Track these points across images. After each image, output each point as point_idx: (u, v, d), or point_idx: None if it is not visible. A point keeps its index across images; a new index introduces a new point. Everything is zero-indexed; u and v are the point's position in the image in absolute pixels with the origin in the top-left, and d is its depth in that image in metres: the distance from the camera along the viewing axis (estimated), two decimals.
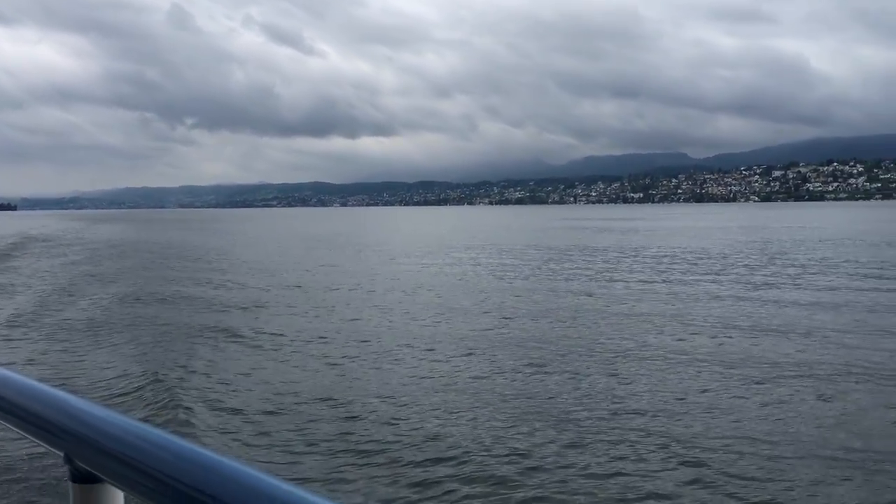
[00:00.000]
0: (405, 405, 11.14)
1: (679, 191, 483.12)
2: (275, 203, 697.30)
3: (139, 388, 12.00)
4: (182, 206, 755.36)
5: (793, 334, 16.66)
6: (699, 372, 13.11)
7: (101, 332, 17.58)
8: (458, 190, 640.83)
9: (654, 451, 8.99)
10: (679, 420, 10.35)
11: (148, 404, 11.13)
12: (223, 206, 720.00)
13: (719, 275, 30.10)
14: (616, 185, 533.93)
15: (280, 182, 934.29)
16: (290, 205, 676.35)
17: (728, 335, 16.67)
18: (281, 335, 16.87)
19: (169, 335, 17.01)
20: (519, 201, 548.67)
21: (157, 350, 15.31)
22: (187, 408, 10.78)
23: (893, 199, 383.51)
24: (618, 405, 11.06)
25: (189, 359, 14.29)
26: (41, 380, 1.41)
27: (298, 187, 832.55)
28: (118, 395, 11.72)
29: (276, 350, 15.26)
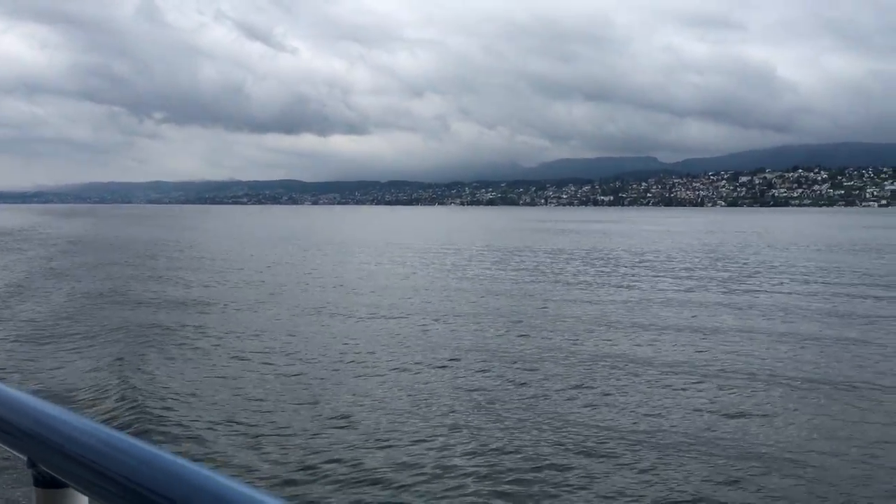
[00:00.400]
0: (356, 404, 11.36)
1: (648, 194, 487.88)
2: (245, 200, 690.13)
3: (93, 390, 11.96)
4: (150, 201, 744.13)
5: (701, 333, 17.12)
6: (610, 370, 13.50)
7: (53, 331, 17.39)
8: (430, 190, 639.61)
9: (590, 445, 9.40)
10: (581, 410, 10.64)
11: (103, 406, 11.07)
12: (192, 202, 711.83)
13: (656, 277, 30.67)
14: (587, 187, 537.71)
15: (251, 179, 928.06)
16: (260, 202, 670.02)
17: (643, 335, 17.08)
18: (226, 334, 17.03)
19: (120, 334, 16.91)
20: (490, 202, 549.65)
21: (108, 350, 15.20)
22: (145, 411, 10.77)
23: (856, 205, 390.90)
24: (525, 398, 11.34)
25: (140, 358, 14.26)
26: (1, 381, 1.38)
27: (269, 185, 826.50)
28: (72, 397, 11.64)
29: (225, 350, 15.30)
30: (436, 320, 19.26)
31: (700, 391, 12.12)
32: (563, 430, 9.97)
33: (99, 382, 12.40)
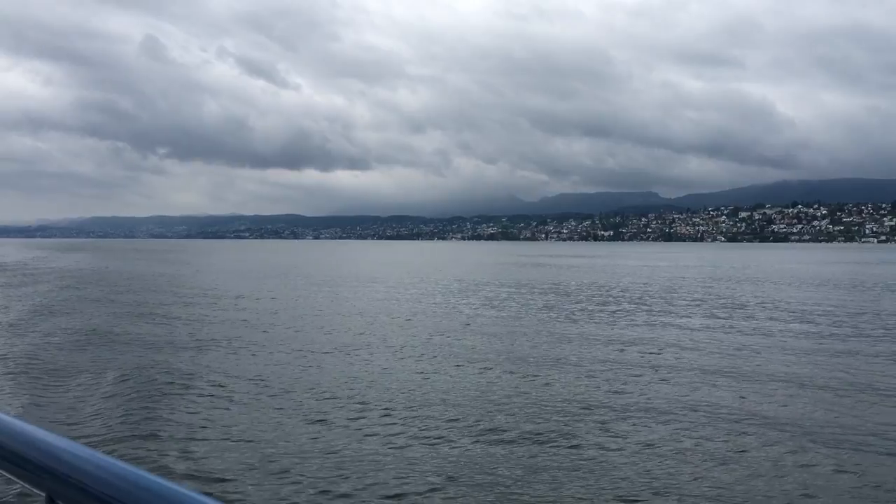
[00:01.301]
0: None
1: (648, 230, 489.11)
2: (247, 235, 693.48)
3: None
4: (153, 236, 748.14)
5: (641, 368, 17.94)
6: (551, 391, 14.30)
7: (46, 369, 17.29)
8: (432, 225, 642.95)
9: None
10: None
11: (115, 444, 11.05)
12: (194, 236, 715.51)
13: (618, 311, 31.55)
14: (587, 222, 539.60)
15: (253, 214, 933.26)
16: (262, 237, 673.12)
17: (599, 370, 17.90)
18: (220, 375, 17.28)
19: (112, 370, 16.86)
20: (491, 237, 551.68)
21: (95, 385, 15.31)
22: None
23: (855, 241, 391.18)
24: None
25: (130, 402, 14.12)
26: (18, 418, 1.37)
27: (272, 219, 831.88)
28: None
29: (215, 388, 15.21)
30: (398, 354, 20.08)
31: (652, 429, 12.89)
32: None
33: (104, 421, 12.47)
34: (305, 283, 49.97)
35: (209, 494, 1.05)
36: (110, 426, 11.98)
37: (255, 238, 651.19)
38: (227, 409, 13.25)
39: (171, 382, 15.31)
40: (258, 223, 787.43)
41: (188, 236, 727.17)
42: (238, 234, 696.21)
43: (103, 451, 1.24)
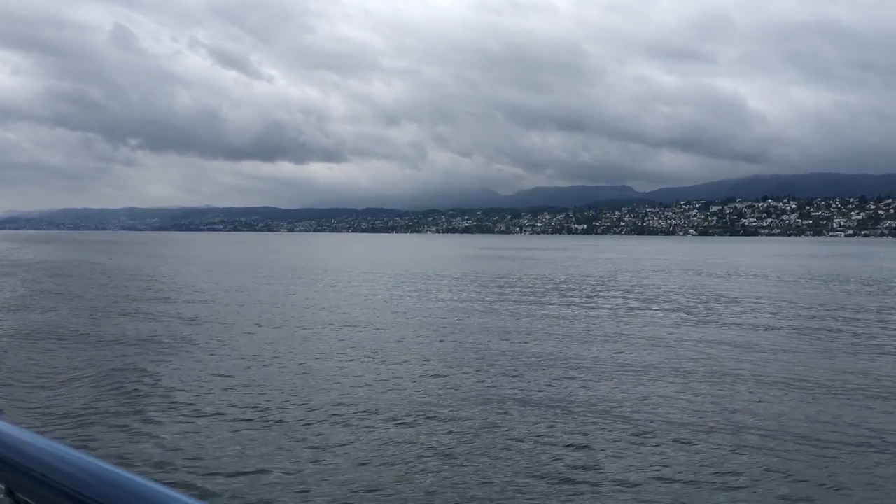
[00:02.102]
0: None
1: (622, 223, 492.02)
2: (220, 227, 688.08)
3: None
4: (125, 228, 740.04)
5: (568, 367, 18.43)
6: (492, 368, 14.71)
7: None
8: (407, 217, 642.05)
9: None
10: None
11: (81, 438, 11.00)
12: (167, 228, 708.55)
13: (559, 297, 32.18)
14: (561, 216, 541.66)
15: (227, 206, 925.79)
16: (236, 229, 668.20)
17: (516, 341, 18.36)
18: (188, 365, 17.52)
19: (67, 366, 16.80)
20: (466, 230, 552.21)
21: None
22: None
23: (823, 235, 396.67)
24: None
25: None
26: None
27: (245, 211, 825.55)
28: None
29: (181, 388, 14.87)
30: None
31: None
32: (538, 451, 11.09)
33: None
34: (267, 276, 50.12)
35: (171, 485, 1.03)
36: (70, 424, 11.87)
37: (229, 230, 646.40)
38: (192, 405, 13.15)
39: (135, 381, 15.08)
40: (232, 215, 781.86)
41: (161, 228, 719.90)
42: (211, 227, 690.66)
43: (64, 443, 1.22)
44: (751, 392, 14.55)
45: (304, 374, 15.93)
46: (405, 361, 17.46)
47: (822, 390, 14.70)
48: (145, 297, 32.97)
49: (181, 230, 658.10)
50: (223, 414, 12.42)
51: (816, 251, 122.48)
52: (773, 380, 15.63)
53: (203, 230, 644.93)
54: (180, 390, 14.15)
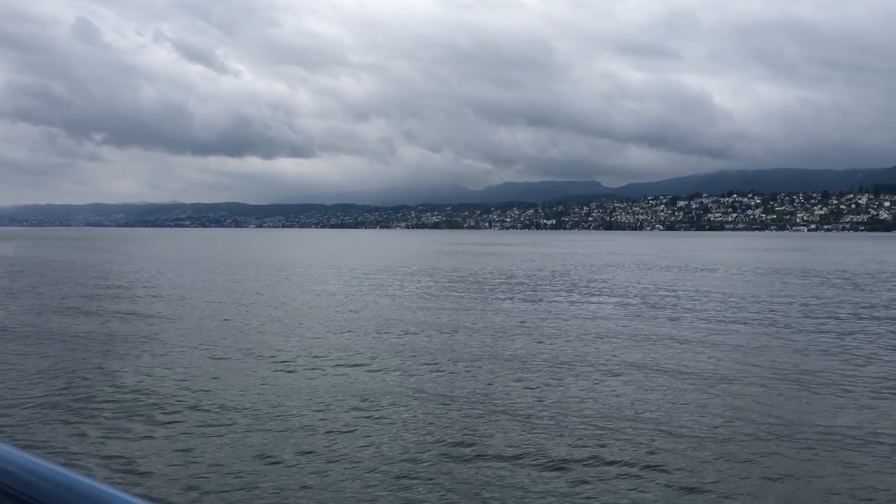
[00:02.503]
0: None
1: (590, 218, 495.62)
2: (188, 223, 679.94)
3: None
4: (89, 224, 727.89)
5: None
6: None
7: None
8: (376, 213, 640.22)
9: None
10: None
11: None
12: (133, 225, 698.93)
13: (507, 291, 32.40)
14: (530, 211, 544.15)
15: (194, 202, 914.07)
16: (203, 225, 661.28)
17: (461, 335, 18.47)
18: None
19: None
20: (436, 225, 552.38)
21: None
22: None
23: (787, 229, 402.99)
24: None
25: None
26: None
27: (213, 207, 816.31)
28: None
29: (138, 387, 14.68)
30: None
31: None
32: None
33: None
34: (225, 272, 49.81)
35: (115, 485, 1.01)
36: (17, 422, 11.71)
37: (197, 226, 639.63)
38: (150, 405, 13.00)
39: (86, 381, 14.77)
40: (199, 211, 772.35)
41: (126, 224, 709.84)
42: (178, 223, 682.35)
43: (9, 443, 1.18)
44: (668, 385, 14.81)
45: (256, 373, 15.76)
46: (340, 359, 17.51)
47: (728, 382, 15.00)
48: (102, 294, 32.51)
49: (147, 226, 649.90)
50: (176, 415, 12.20)
51: (770, 245, 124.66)
52: (694, 371, 15.92)
53: (170, 226, 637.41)
54: (133, 391, 13.85)
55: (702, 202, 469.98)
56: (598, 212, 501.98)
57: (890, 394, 13.86)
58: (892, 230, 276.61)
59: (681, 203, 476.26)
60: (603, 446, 10.59)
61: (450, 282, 40.55)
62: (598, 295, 32.96)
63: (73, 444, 10.63)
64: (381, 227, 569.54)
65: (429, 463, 9.85)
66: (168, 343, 19.17)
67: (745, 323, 23.73)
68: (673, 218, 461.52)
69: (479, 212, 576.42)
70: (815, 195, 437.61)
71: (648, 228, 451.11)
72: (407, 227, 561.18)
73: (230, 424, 11.56)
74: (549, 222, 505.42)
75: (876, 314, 26.08)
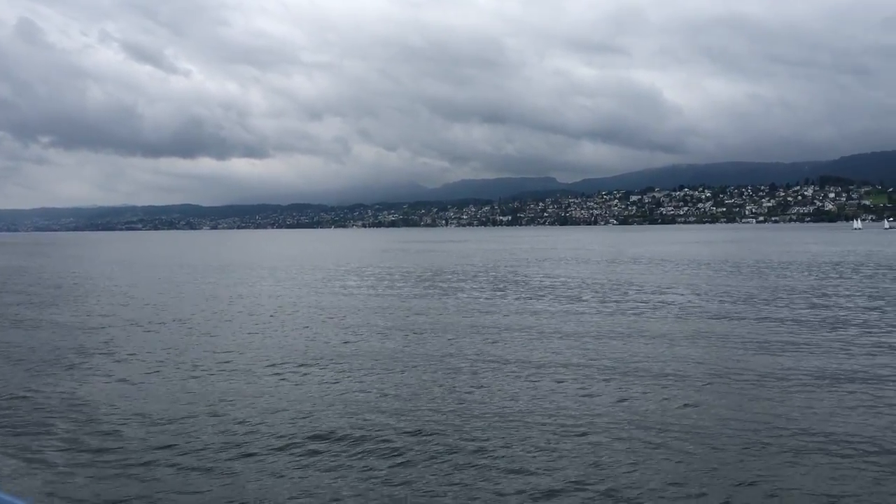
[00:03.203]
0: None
1: (545, 214, 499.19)
2: (140, 226, 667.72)
3: None
4: (38, 228, 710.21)
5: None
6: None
7: None
8: (333, 212, 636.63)
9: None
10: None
11: None
12: (83, 229, 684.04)
13: (424, 286, 33.02)
14: (486, 208, 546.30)
15: (146, 204, 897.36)
16: (156, 228, 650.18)
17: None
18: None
19: None
20: (392, 224, 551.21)
21: None
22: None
23: (737, 222, 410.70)
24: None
25: None
26: None
27: (166, 209, 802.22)
28: None
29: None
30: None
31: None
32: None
33: None
34: (166, 275, 49.52)
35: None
36: None
37: (149, 229, 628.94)
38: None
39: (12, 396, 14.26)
40: (152, 214, 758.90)
41: (77, 229, 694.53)
42: (130, 226, 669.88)
43: None
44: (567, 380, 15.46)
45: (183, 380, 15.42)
46: (252, 361, 17.86)
47: (632, 376, 15.68)
48: (38, 302, 32.18)
49: (98, 230, 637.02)
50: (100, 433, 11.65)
51: (706, 238, 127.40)
52: (602, 366, 16.38)
53: (121, 230, 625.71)
54: (58, 410, 13.18)
55: (654, 196, 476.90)
56: (553, 208, 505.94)
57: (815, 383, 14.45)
58: (837, 220, 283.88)
59: (634, 198, 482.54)
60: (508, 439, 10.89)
61: (376, 279, 41.07)
62: (517, 287, 33.72)
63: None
64: (338, 226, 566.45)
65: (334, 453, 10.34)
66: (88, 352, 19.23)
67: (644, 310, 24.63)
68: (626, 212, 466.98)
69: (435, 210, 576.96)
70: (763, 188, 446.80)
71: (602, 223, 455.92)
72: (363, 226, 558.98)
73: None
74: (504, 219, 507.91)
75: (781, 299, 27.21)
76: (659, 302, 27.52)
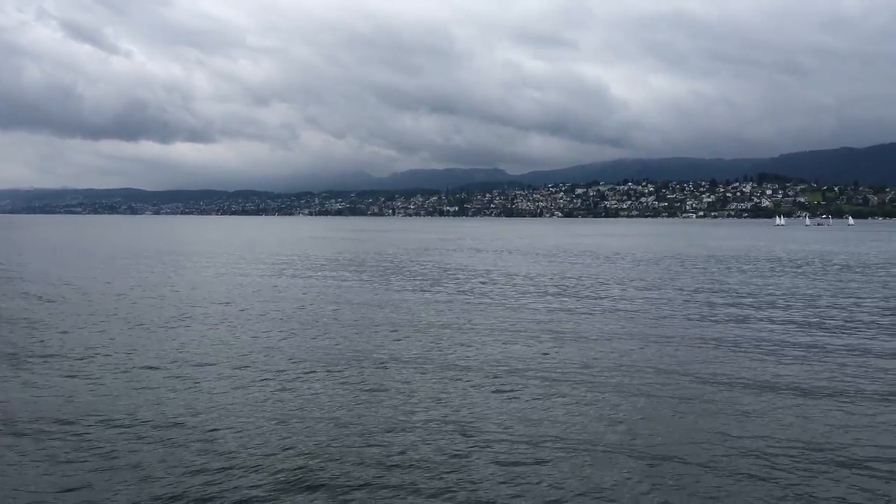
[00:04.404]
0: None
1: (492, 205, 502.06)
2: (79, 210, 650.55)
3: None
4: None
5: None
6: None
7: None
8: (279, 200, 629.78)
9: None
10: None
11: None
12: (20, 212, 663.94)
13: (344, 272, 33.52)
14: (434, 198, 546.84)
15: (86, 188, 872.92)
16: (96, 212, 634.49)
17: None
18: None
19: None
20: (339, 212, 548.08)
21: None
22: None
23: (678, 216, 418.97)
24: None
25: None
26: None
27: (107, 193, 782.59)
28: None
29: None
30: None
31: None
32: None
33: None
34: (86, 263, 48.95)
35: None
36: None
37: (89, 213, 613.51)
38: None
39: None
40: (92, 197, 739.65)
41: (12, 211, 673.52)
42: (69, 209, 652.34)
43: None
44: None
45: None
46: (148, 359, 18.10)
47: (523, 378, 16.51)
48: None
49: (35, 213, 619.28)
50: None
51: (640, 231, 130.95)
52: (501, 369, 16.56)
53: (60, 213, 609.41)
54: None
55: (598, 190, 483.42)
56: (500, 199, 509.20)
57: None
58: (773, 216, 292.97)
59: (579, 191, 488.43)
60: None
61: (279, 267, 41.48)
62: (417, 277, 34.51)
63: None
64: (284, 213, 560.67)
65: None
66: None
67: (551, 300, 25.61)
68: (571, 205, 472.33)
69: (383, 199, 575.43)
70: (703, 183, 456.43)
71: (548, 215, 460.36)
72: (310, 213, 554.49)
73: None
74: (452, 209, 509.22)
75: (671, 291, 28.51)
76: (536, 291, 28.60)
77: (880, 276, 36.70)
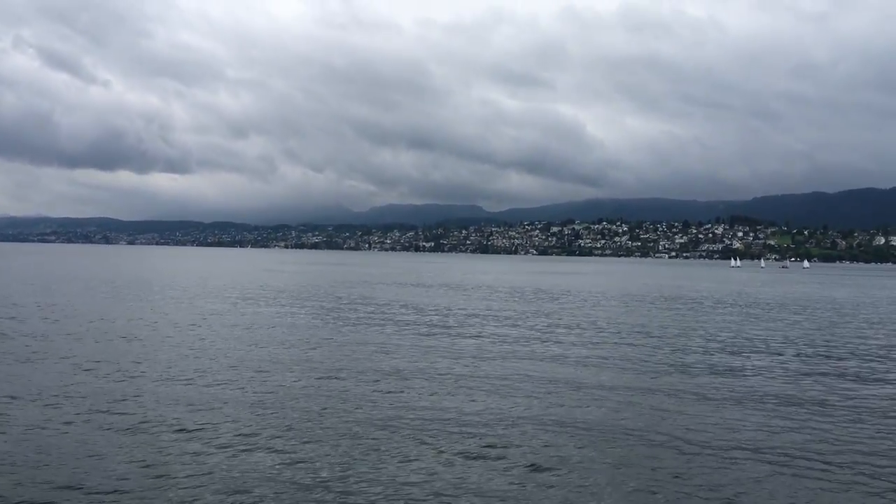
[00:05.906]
0: None
1: (468, 241, 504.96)
2: (53, 238, 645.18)
3: None
4: None
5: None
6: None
7: None
8: (256, 232, 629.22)
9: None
10: None
11: None
12: None
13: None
14: (411, 233, 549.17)
15: (61, 216, 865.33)
16: (70, 241, 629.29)
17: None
18: None
19: None
20: (315, 246, 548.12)
21: None
22: None
23: (650, 256, 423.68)
24: None
25: None
26: None
27: (82, 222, 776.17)
28: None
29: None
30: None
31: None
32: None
33: None
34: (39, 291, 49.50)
35: None
36: None
37: (63, 242, 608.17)
38: None
39: None
40: (67, 226, 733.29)
41: None
42: (43, 238, 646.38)
43: None
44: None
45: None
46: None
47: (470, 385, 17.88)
48: None
49: (7, 241, 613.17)
50: None
51: (604, 270, 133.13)
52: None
53: (34, 241, 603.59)
54: None
55: (573, 228, 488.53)
56: (476, 236, 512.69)
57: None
58: (744, 258, 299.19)
59: (554, 229, 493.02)
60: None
61: (242, 299, 42.61)
62: (371, 313, 35.84)
63: None
64: (260, 246, 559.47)
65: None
66: None
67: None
68: (546, 243, 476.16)
69: (360, 233, 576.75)
70: (676, 224, 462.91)
71: (523, 252, 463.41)
72: (286, 246, 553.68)
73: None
74: (428, 245, 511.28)
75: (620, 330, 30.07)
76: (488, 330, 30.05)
77: (740, 313, 39.97)
